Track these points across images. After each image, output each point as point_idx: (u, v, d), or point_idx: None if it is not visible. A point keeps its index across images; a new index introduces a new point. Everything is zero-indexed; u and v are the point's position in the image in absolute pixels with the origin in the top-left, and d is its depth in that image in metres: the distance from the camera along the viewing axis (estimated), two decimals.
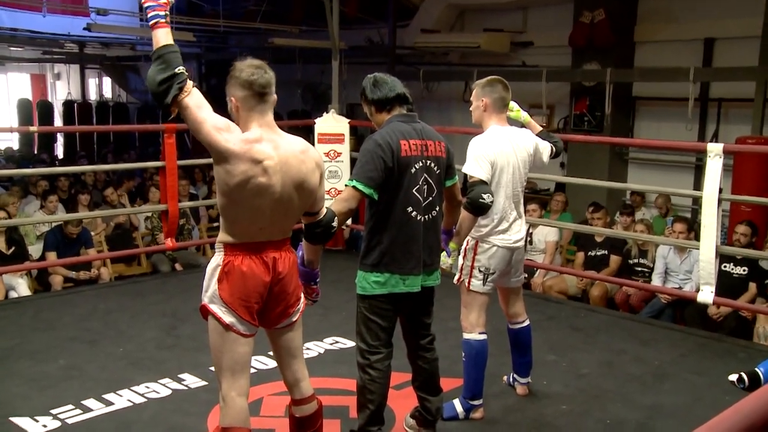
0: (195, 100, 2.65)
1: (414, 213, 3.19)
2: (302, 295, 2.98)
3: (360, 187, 3.09)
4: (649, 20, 9.09)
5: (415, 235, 3.21)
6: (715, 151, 4.99)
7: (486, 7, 10.71)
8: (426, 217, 3.23)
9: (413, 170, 3.16)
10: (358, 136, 9.08)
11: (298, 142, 2.80)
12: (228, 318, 2.73)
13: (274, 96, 2.77)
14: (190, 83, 2.65)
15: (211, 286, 2.77)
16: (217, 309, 2.75)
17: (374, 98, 3.27)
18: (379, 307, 3.25)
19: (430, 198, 3.24)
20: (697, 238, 5.40)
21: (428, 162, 3.21)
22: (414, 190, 3.17)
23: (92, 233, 7.30)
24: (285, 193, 2.71)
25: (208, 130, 2.63)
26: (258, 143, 2.66)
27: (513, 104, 3.95)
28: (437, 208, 3.30)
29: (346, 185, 3.18)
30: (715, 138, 8.45)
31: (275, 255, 2.78)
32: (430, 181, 3.23)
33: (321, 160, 2.91)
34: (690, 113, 7.98)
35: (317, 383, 4.11)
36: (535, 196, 8.78)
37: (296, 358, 3.00)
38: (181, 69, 2.62)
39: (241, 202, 2.69)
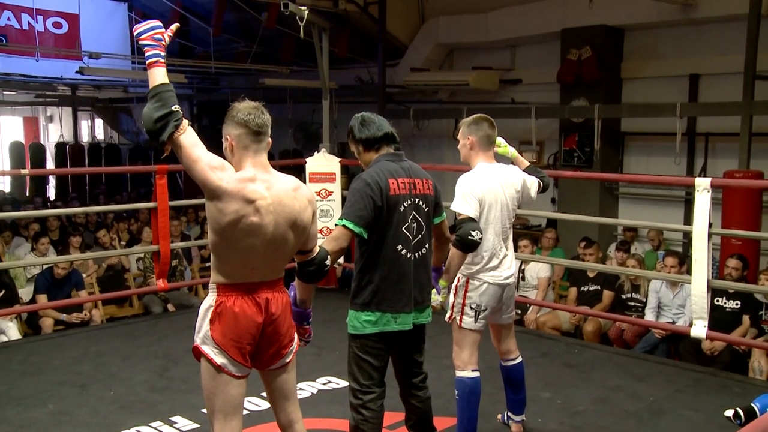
0: (190, 139, 2.68)
1: (404, 251, 3.20)
2: (296, 335, 2.95)
3: (350, 226, 3.10)
4: (635, 57, 9.22)
5: (406, 273, 3.21)
6: (703, 186, 5.03)
7: (475, 45, 10.84)
8: (416, 254, 3.24)
9: (402, 208, 3.18)
10: (349, 175, 9.10)
11: (290, 181, 2.81)
12: (220, 359, 2.72)
13: (269, 139, 2.80)
14: (185, 122, 2.68)
15: (203, 327, 2.76)
16: (209, 350, 2.73)
17: (362, 137, 3.30)
18: (370, 346, 3.23)
19: (420, 236, 3.25)
20: (689, 272, 5.41)
21: (417, 200, 3.24)
22: (403, 228, 3.19)
23: (84, 275, 7.26)
24: (278, 233, 2.73)
25: (202, 168, 2.65)
26: (251, 183, 2.68)
27: (500, 140, 3.99)
28: (427, 246, 3.31)
29: (336, 224, 3.18)
30: (704, 171, 8.52)
31: (268, 296, 2.77)
32: (419, 219, 3.25)
33: (313, 198, 2.94)
34: (678, 148, 8.06)
35: (310, 424, 4.07)
36: (526, 232, 8.79)
37: (290, 400, 2.98)
38: (176, 107, 2.66)
39: (233, 242, 2.69)
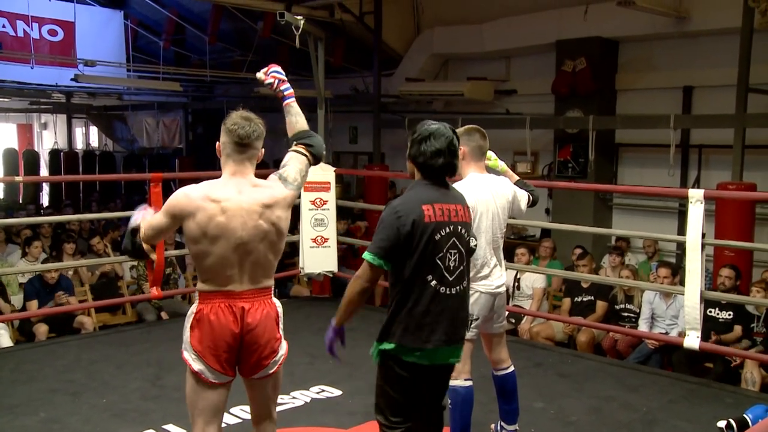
0: (148, 225, 2.92)
1: (434, 283, 2.93)
2: (281, 348, 2.93)
3: (369, 258, 2.91)
4: (630, 69, 9.27)
5: (437, 307, 2.95)
6: (696, 197, 5.06)
7: (470, 56, 10.88)
8: (452, 289, 2.98)
9: (437, 237, 2.92)
10: (344, 184, 9.13)
11: (265, 193, 2.84)
12: (197, 365, 2.79)
13: (258, 150, 2.87)
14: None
15: (184, 333, 2.84)
16: (188, 356, 2.81)
17: (417, 154, 3.01)
18: (399, 380, 3.00)
19: (461, 267, 3.01)
20: (682, 283, 5.43)
21: (458, 228, 2.99)
22: (437, 259, 2.93)
23: (79, 285, 7.24)
24: (247, 239, 2.77)
25: (167, 221, 2.86)
26: (221, 186, 2.82)
27: (491, 153, 3.99)
28: (465, 281, 3.05)
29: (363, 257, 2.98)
30: (697, 183, 8.55)
31: (245, 305, 2.80)
32: (461, 249, 3.00)
33: (294, 195, 2.93)
34: (672, 159, 8.10)
35: None
36: (522, 242, 8.81)
37: (266, 413, 3.01)
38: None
39: (207, 246, 2.77)
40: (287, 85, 3.15)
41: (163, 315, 7.46)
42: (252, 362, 2.85)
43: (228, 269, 2.77)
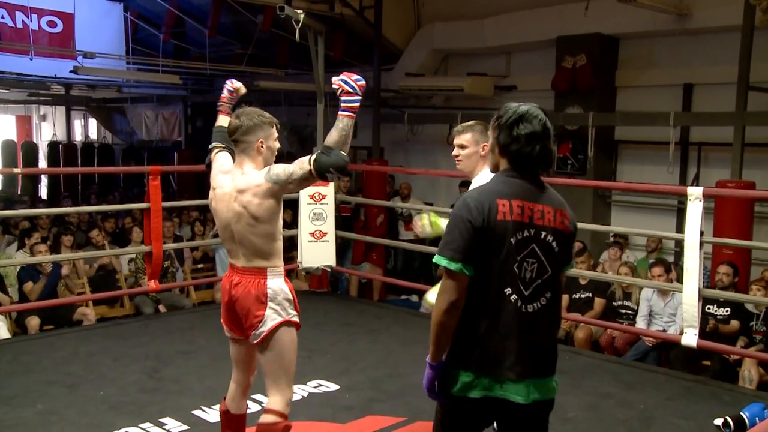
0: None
1: (513, 296, 2.42)
2: (261, 325, 3.13)
3: (444, 263, 2.40)
4: (630, 66, 9.26)
5: (513, 326, 2.43)
6: (695, 195, 5.06)
7: (470, 51, 10.86)
8: (532, 305, 2.45)
9: (513, 239, 2.42)
10: (353, 177, 9.14)
11: (242, 180, 3.12)
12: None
13: (249, 142, 3.14)
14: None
15: None
16: None
17: (505, 137, 2.52)
18: (463, 414, 2.50)
19: (539, 280, 2.47)
20: (680, 280, 5.43)
21: (542, 233, 2.47)
22: (514, 266, 2.43)
23: (78, 278, 7.23)
24: (230, 221, 3.16)
25: None
26: (222, 175, 3.25)
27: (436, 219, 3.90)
28: (548, 296, 2.49)
29: (434, 262, 2.50)
30: (696, 181, 8.55)
31: (234, 278, 3.20)
32: (542, 258, 2.47)
33: (270, 188, 3.06)
34: (671, 157, 8.10)
35: (301, 427, 4.07)
36: None
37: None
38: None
39: (217, 225, 3.31)
40: (349, 97, 2.96)
41: (161, 308, 7.46)
42: (244, 326, 3.19)
43: (227, 245, 3.24)
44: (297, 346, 3.24)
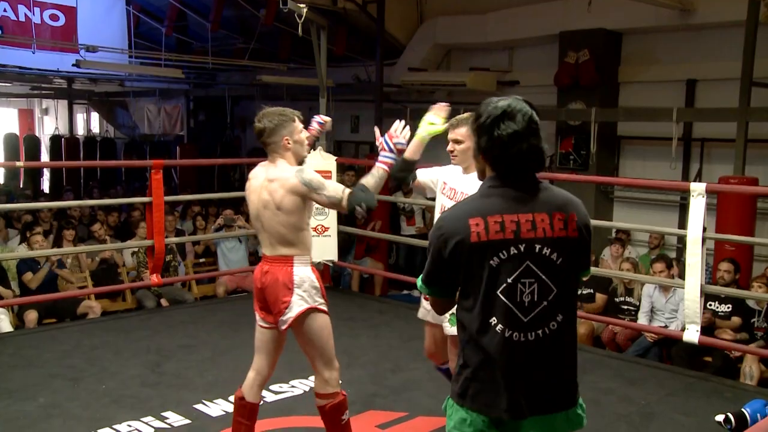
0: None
1: (499, 326, 2.15)
2: (288, 311, 3.26)
3: (418, 285, 2.33)
4: (633, 61, 9.24)
5: (502, 361, 2.15)
6: (698, 191, 5.04)
7: (472, 46, 10.84)
8: (530, 334, 2.16)
9: (495, 261, 2.13)
10: (356, 171, 9.11)
11: (273, 172, 3.30)
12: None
13: (274, 142, 3.32)
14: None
15: None
16: None
17: (484, 142, 2.22)
18: None
19: (545, 302, 2.16)
20: (682, 276, 5.42)
21: (535, 247, 2.15)
22: (499, 292, 2.14)
23: (76, 270, 7.24)
24: (259, 209, 3.32)
25: None
26: (259, 167, 3.43)
27: None
28: (560, 318, 2.19)
29: None
30: (699, 177, 8.53)
31: (264, 267, 3.33)
32: (542, 276, 2.16)
33: (297, 186, 3.23)
34: (674, 152, 8.08)
35: (303, 422, 4.08)
36: None
37: (313, 364, 3.42)
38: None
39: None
40: (387, 154, 3.37)
41: (163, 302, 7.47)
42: (273, 313, 3.31)
43: (259, 235, 3.40)
44: (331, 330, 3.39)
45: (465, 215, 2.15)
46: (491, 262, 2.12)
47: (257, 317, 3.43)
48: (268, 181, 3.29)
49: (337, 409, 3.38)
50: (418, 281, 2.30)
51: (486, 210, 2.15)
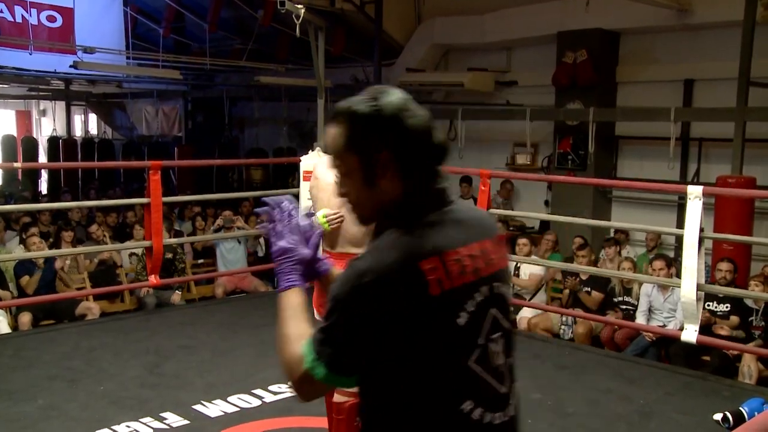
0: None
1: (476, 412, 1.50)
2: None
3: (319, 375, 1.48)
4: (631, 61, 9.25)
5: None
6: (695, 194, 5.06)
7: (470, 46, 10.85)
8: (506, 410, 1.58)
9: (464, 318, 1.49)
10: None
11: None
12: None
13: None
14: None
15: None
16: None
17: (398, 144, 1.55)
18: None
19: (509, 356, 1.62)
20: (680, 275, 5.43)
21: (494, 285, 1.56)
22: (470, 362, 1.50)
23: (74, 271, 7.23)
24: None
25: None
26: (325, 167, 3.46)
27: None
28: (514, 379, 1.63)
29: (302, 359, 1.50)
30: (697, 176, 8.55)
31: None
32: (502, 324, 1.58)
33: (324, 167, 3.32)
34: (672, 152, 8.10)
35: (302, 422, 4.08)
36: (523, 234, 8.81)
37: None
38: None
39: None
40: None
41: (176, 297, 7.44)
42: None
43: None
44: None
45: (410, 258, 1.44)
46: (458, 320, 1.47)
47: (315, 314, 3.46)
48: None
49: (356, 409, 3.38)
50: (317, 369, 1.46)
51: (438, 245, 1.48)
